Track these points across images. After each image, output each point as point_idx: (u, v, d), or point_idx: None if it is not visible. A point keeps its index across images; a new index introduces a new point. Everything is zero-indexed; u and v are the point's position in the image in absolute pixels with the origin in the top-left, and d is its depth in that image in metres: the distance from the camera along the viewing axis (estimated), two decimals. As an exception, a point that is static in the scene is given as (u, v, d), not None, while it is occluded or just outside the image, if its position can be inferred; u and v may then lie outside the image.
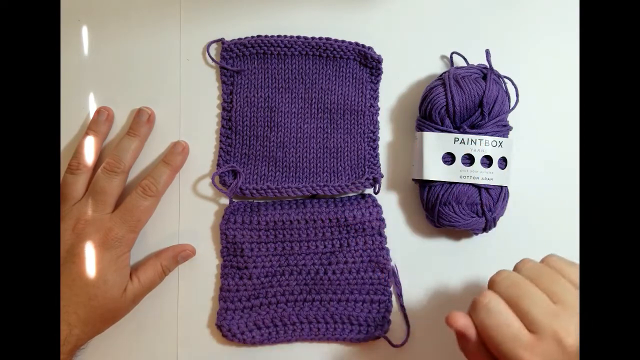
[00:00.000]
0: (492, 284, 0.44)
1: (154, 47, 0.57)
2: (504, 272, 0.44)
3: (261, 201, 0.56)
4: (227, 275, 0.55)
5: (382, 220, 0.55)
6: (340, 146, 0.56)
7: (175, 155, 0.55)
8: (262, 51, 0.56)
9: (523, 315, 0.40)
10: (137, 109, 0.55)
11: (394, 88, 0.57)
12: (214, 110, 0.57)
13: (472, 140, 0.52)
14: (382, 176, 0.56)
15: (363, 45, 0.56)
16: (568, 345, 0.38)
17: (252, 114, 0.56)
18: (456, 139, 0.52)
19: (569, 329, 0.39)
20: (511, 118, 0.54)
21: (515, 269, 0.45)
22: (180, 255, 0.54)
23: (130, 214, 0.52)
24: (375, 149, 0.56)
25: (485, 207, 0.52)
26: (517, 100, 0.55)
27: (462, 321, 0.42)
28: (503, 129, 0.53)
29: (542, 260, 0.45)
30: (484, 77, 0.53)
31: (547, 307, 0.40)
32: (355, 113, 0.56)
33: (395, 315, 0.55)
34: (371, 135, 0.56)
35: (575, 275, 0.43)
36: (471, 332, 0.42)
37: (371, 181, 0.55)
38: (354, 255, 0.54)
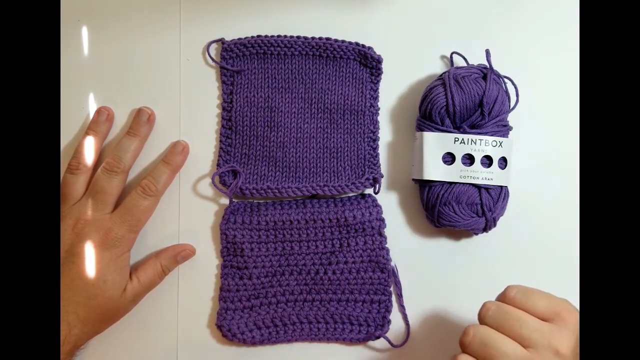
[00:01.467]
0: (462, 347, 0.43)
1: (154, 47, 0.57)
2: (470, 329, 0.43)
3: (261, 201, 0.56)
4: (227, 275, 0.55)
5: (382, 220, 0.55)
6: (340, 146, 0.56)
7: (175, 155, 0.55)
8: (262, 51, 0.56)
9: None
10: (137, 109, 0.55)
11: (394, 88, 0.57)
12: (214, 110, 0.57)
13: (472, 140, 0.52)
14: (382, 176, 0.56)
15: (363, 45, 0.56)
16: None
17: (252, 114, 0.56)
18: (456, 139, 0.52)
19: None
20: (511, 118, 0.54)
21: (479, 316, 0.44)
22: (180, 255, 0.54)
23: (130, 214, 0.52)
24: (375, 149, 0.56)
25: (485, 207, 0.52)
26: (517, 100, 0.55)
27: None
28: (503, 129, 0.53)
29: (502, 296, 0.44)
30: (484, 77, 0.53)
31: (521, 358, 0.40)
32: (355, 113, 0.56)
33: (395, 315, 0.55)
34: (371, 135, 0.56)
35: (540, 304, 0.43)
36: None
37: (371, 181, 0.55)
38: (354, 255, 0.54)
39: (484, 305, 0.44)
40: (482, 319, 0.44)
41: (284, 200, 0.56)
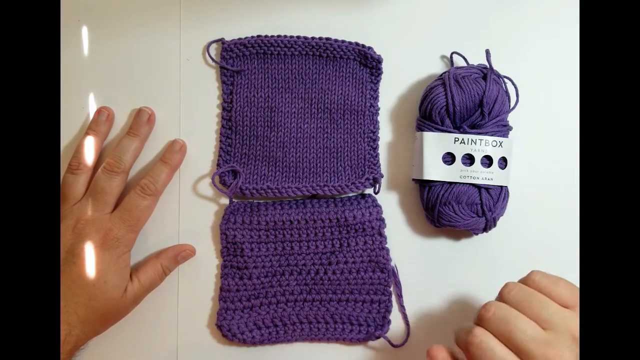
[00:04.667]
0: (481, 321, 0.43)
1: (154, 47, 0.57)
2: (491, 305, 0.43)
3: (261, 201, 0.56)
4: (227, 275, 0.55)
5: (382, 220, 0.55)
6: (340, 146, 0.56)
7: (173, 154, 0.55)
8: (262, 51, 0.56)
9: (517, 350, 0.40)
10: (137, 109, 0.55)
11: (394, 88, 0.57)
12: (214, 110, 0.57)
13: (472, 140, 0.52)
14: (382, 176, 0.56)
15: (363, 45, 0.56)
16: None
17: (252, 114, 0.56)
18: (456, 139, 0.52)
19: (563, 356, 0.39)
20: (511, 118, 0.54)
21: (500, 295, 0.44)
22: (181, 255, 0.54)
23: (129, 214, 0.52)
24: (375, 149, 0.56)
25: (485, 207, 0.52)
26: (517, 100, 0.55)
27: (442, 355, 0.44)
28: (503, 129, 0.53)
29: (526, 279, 0.45)
30: (484, 77, 0.53)
31: (539, 337, 0.40)
32: (355, 113, 0.56)
33: (395, 315, 0.55)
34: (371, 135, 0.56)
35: (563, 291, 0.43)
36: None
37: (371, 181, 0.55)
38: (354, 255, 0.54)
39: (506, 285, 0.44)
40: (503, 297, 0.44)
41: (284, 200, 0.56)
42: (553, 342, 0.40)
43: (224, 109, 0.56)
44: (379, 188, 0.55)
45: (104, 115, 0.55)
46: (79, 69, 0.56)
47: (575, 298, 0.43)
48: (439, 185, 0.52)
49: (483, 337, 0.41)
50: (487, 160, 0.52)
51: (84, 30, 0.57)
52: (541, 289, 0.43)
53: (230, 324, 0.54)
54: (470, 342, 0.42)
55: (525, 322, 0.41)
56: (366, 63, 0.56)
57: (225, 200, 0.56)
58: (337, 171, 0.56)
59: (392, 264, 0.55)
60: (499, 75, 0.54)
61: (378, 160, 0.56)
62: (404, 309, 0.55)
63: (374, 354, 0.55)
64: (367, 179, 0.55)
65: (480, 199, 0.52)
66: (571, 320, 0.41)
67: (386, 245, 0.55)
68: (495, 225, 0.53)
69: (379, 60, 0.56)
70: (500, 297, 0.44)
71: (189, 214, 0.56)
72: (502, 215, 0.54)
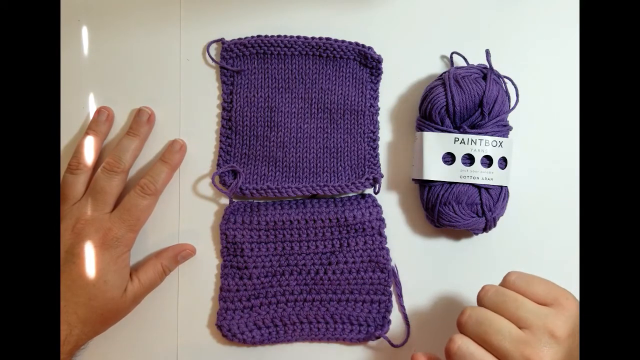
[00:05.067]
0: (459, 326, 0.44)
1: (154, 47, 0.57)
2: (467, 310, 0.44)
3: (261, 201, 0.56)
4: (227, 275, 0.55)
5: (382, 220, 0.55)
6: (340, 146, 0.56)
7: (173, 154, 0.55)
8: (262, 51, 0.56)
9: (495, 351, 0.41)
10: (137, 109, 0.55)
11: (394, 88, 0.57)
12: (214, 110, 0.57)
13: (472, 140, 0.52)
14: (382, 176, 0.56)
15: (363, 45, 0.56)
16: None
17: (252, 114, 0.56)
18: (456, 139, 0.52)
19: (540, 353, 0.40)
20: (511, 118, 0.54)
21: (478, 298, 0.45)
22: (181, 255, 0.54)
23: (129, 214, 0.52)
24: (375, 149, 0.56)
25: (485, 207, 0.52)
26: (517, 100, 0.55)
27: None
28: (503, 129, 0.53)
29: (503, 281, 0.45)
30: (484, 77, 0.53)
31: (515, 337, 0.41)
32: (355, 113, 0.56)
33: (395, 315, 0.55)
34: (371, 135, 0.56)
35: (539, 289, 0.43)
36: None
37: (371, 181, 0.55)
38: (354, 255, 0.54)
39: (483, 287, 0.45)
40: (480, 300, 0.45)
41: (284, 200, 0.56)
42: (530, 341, 0.40)
43: (224, 109, 0.56)
44: (379, 188, 0.55)
45: (103, 115, 0.55)
46: (79, 69, 0.56)
47: (551, 295, 0.43)
48: (439, 185, 0.52)
49: (461, 343, 0.42)
50: (487, 160, 0.52)
51: (84, 30, 0.57)
52: (517, 289, 0.44)
53: (230, 324, 0.54)
54: (449, 349, 0.42)
55: (500, 322, 0.42)
56: (366, 63, 0.56)
57: (225, 200, 0.56)
58: (337, 171, 0.56)
59: (392, 264, 0.55)
60: (499, 75, 0.54)
61: (378, 160, 0.56)
62: (404, 309, 0.55)
63: (374, 354, 0.55)
64: (367, 179, 0.55)
65: (480, 199, 0.52)
66: (547, 317, 0.41)
67: (386, 245, 0.55)
68: (495, 225, 0.53)
69: (379, 60, 0.56)
70: (478, 300, 0.45)
71: (189, 214, 0.56)
72: (502, 215, 0.54)
